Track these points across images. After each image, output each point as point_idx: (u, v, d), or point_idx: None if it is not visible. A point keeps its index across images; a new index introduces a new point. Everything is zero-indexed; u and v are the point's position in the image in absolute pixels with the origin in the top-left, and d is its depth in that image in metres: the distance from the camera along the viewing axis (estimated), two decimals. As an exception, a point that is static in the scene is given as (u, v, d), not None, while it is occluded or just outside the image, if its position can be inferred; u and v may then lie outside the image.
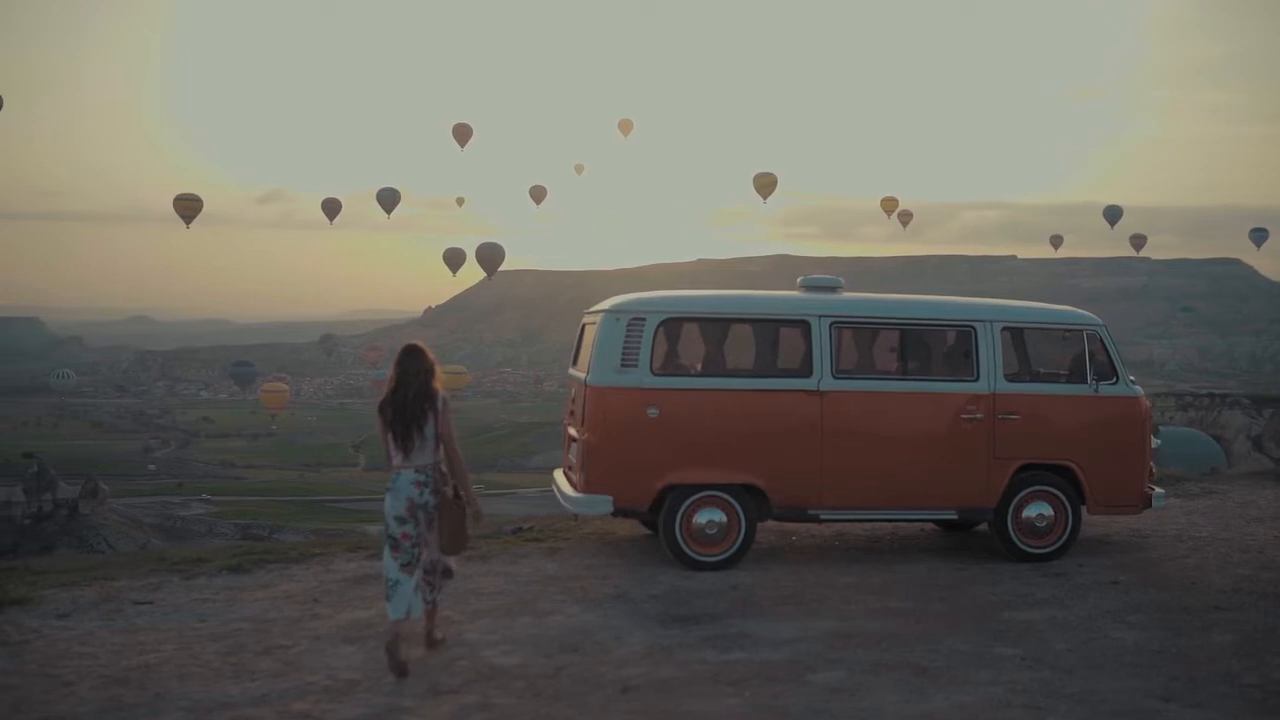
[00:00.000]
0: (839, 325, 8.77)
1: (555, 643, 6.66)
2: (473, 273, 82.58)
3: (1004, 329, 8.94)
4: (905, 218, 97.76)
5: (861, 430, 8.68)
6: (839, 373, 8.67)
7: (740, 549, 8.52)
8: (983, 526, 9.35)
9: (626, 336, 8.49)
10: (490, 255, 78.37)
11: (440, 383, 6.41)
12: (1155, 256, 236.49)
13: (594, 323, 8.91)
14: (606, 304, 8.94)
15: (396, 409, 6.28)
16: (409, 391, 6.29)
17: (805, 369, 8.64)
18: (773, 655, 6.51)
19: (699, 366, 8.91)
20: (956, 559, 9.02)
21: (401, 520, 6.21)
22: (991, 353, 8.83)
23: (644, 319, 8.55)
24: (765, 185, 75.98)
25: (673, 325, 8.74)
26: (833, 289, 9.15)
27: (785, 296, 9.14)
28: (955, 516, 8.98)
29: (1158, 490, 9.27)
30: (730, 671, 6.20)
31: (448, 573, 6.57)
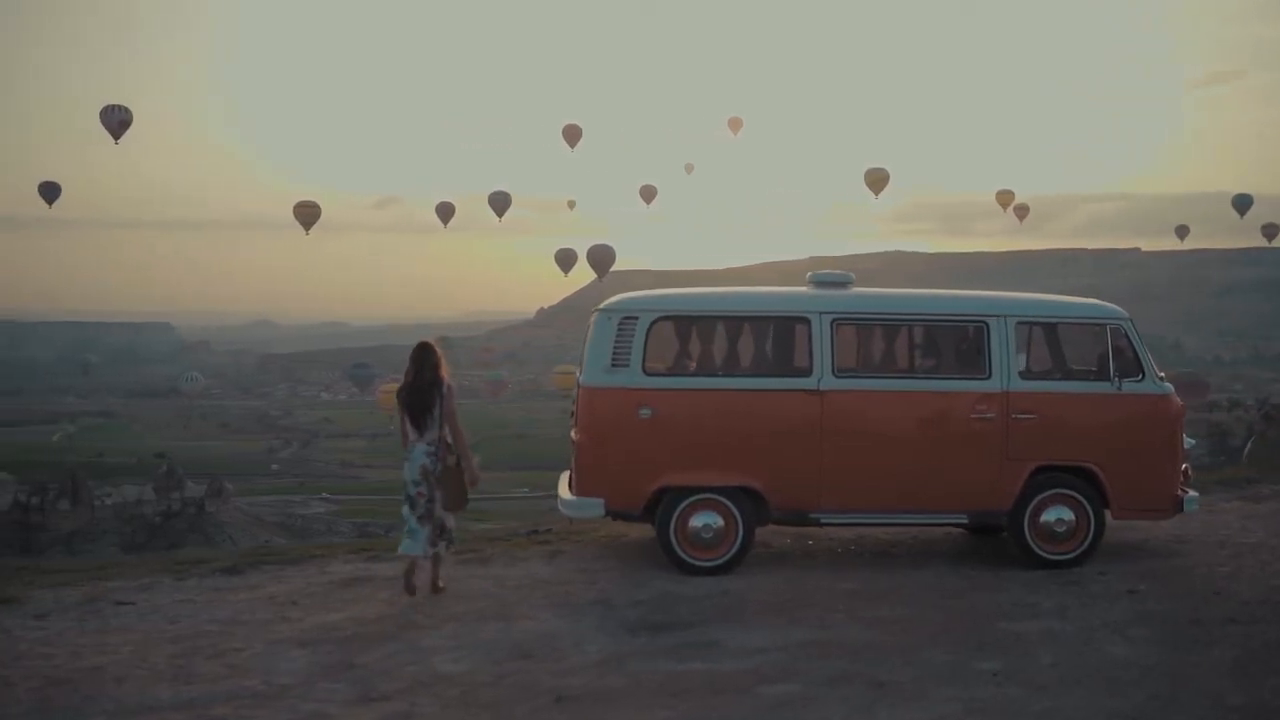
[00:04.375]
0: (841, 322, 8.45)
1: (511, 649, 6.51)
2: (584, 273, 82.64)
3: (1019, 324, 8.52)
4: (1022, 212, 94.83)
5: (864, 431, 8.35)
6: (840, 371, 8.35)
7: (738, 553, 8.26)
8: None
9: (618, 336, 8.31)
10: (601, 257, 78.53)
11: (446, 372, 7.75)
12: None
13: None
14: (603, 303, 8.76)
15: (413, 395, 7.65)
16: (424, 380, 7.64)
17: (805, 368, 8.34)
18: (733, 665, 6.27)
19: (693, 365, 8.67)
20: (969, 565, 8.60)
21: (416, 482, 7.60)
22: (1005, 349, 8.40)
23: (636, 318, 8.35)
24: (877, 181, 74.63)
25: (667, 324, 8.51)
26: (841, 284, 8.83)
27: (785, 293, 8.85)
28: (965, 520, 8.61)
29: (1190, 494, 8.72)
30: (679, 682, 5.98)
31: (445, 532, 7.65)
